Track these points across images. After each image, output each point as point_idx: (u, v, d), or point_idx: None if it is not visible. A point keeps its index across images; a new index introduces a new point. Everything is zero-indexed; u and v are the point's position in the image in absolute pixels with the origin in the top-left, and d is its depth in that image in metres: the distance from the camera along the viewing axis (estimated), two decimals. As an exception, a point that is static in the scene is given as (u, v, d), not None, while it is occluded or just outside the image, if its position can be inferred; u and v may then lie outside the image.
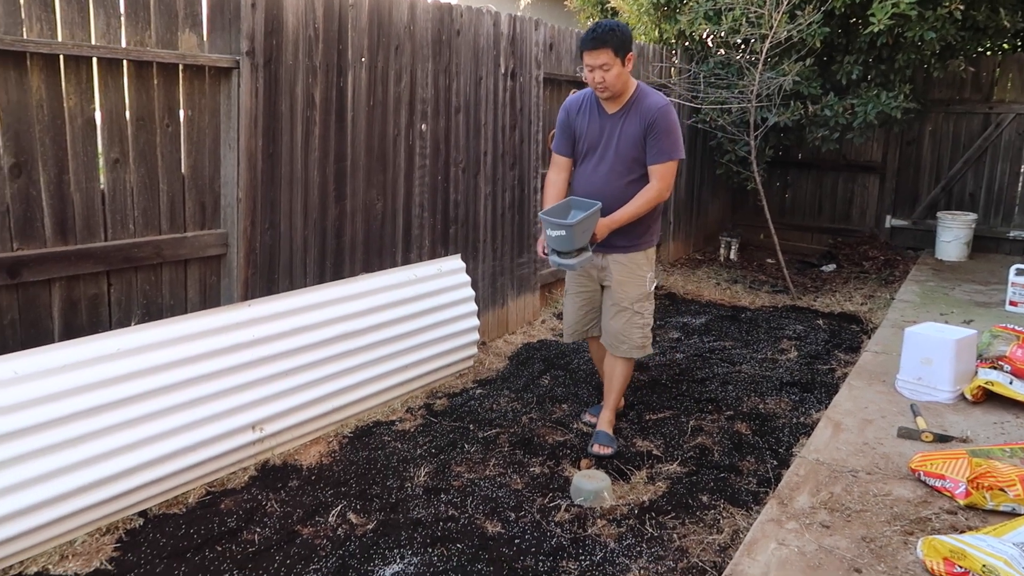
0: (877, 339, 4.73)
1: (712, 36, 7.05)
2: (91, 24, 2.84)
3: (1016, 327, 4.12)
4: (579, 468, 3.28)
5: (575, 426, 3.71)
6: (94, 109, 2.90)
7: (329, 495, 3.01)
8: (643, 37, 7.59)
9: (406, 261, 4.25)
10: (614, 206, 3.27)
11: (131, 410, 2.75)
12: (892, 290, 6.33)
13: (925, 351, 3.73)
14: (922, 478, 2.91)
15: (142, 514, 2.83)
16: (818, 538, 2.54)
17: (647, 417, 3.82)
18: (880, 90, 6.54)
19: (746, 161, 6.98)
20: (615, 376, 3.56)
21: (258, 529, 2.77)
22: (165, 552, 2.61)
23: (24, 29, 2.65)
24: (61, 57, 2.76)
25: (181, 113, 3.18)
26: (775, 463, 3.34)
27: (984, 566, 2.21)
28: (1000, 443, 3.22)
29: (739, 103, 6.35)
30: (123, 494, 2.72)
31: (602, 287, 3.53)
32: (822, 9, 6.08)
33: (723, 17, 6.34)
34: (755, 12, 5.96)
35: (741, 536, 2.73)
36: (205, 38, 3.23)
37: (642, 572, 2.57)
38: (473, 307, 4.33)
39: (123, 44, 2.94)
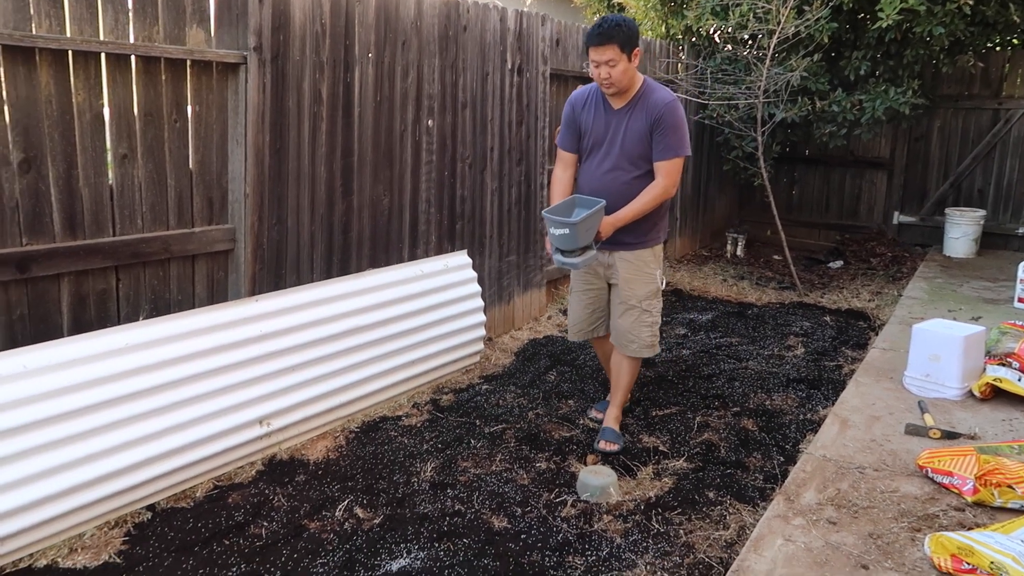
0: (885, 336, 4.71)
1: (719, 32, 7.02)
2: (99, 20, 2.84)
3: (1025, 324, 4.10)
4: (585, 464, 3.28)
5: (581, 422, 3.71)
6: (102, 104, 2.91)
7: (336, 490, 3.02)
8: (650, 33, 7.57)
9: (412, 257, 4.25)
10: (619, 203, 3.25)
11: (139, 405, 2.76)
12: (900, 287, 6.31)
13: (933, 348, 3.72)
14: (930, 475, 2.90)
15: (150, 508, 2.84)
16: (825, 534, 2.54)
17: (653, 413, 3.82)
18: (888, 86, 6.51)
19: (753, 157, 6.96)
20: (622, 374, 3.55)
21: (265, 523, 2.78)
22: (173, 545, 2.63)
23: (33, 25, 2.66)
24: (70, 53, 2.77)
25: (189, 109, 3.19)
26: (782, 459, 3.34)
27: (992, 563, 2.20)
28: (1008, 440, 3.21)
29: (746, 99, 6.33)
30: (131, 488, 2.74)
31: (609, 285, 3.51)
32: (830, 4, 6.05)
33: (730, 12, 6.32)
34: (763, 7, 5.94)
35: (747, 532, 2.73)
36: (213, 34, 3.23)
37: (648, 568, 2.57)
38: (479, 303, 4.33)
39: (131, 40, 2.95)
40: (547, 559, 2.61)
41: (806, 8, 5.97)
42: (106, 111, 2.93)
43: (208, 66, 3.21)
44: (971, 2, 5.87)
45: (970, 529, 2.52)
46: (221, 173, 3.35)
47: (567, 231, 3.07)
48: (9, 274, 2.69)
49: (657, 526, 2.82)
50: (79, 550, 2.59)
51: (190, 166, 3.23)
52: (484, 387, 4.12)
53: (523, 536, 2.75)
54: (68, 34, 2.76)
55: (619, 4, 8.17)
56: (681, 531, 2.79)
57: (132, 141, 3.01)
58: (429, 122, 4.24)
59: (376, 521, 2.82)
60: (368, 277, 3.77)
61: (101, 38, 2.85)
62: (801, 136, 7.48)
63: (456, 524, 2.81)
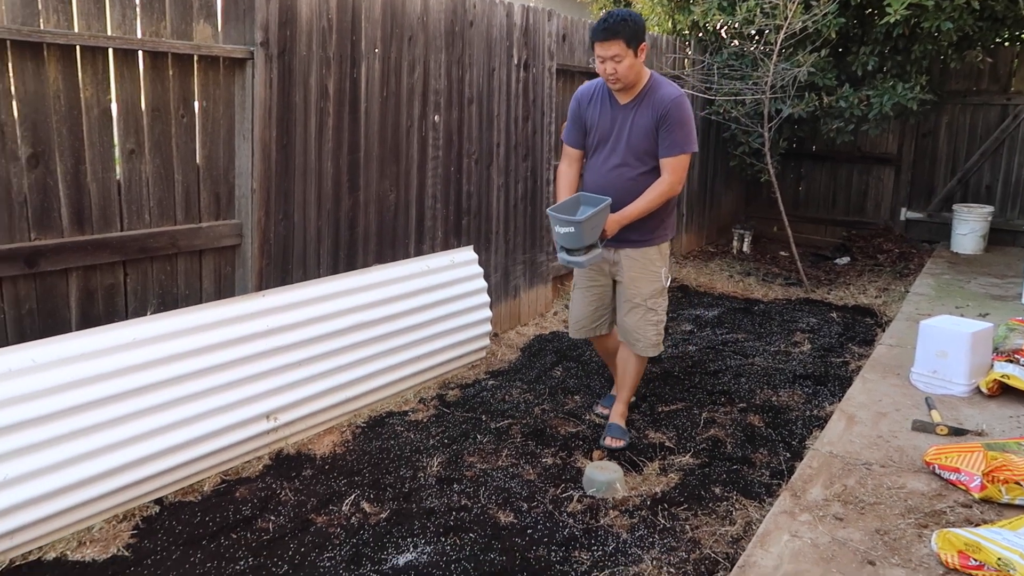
0: (891, 332, 4.70)
1: (726, 27, 7.00)
2: (107, 15, 2.85)
3: (1033, 320, 4.09)
4: (591, 459, 3.28)
5: (587, 417, 3.71)
6: (110, 100, 2.92)
7: (343, 484, 3.03)
8: (656, 28, 7.55)
9: (419, 252, 4.25)
10: (625, 200, 3.22)
11: (147, 399, 2.78)
12: (907, 283, 6.29)
13: (940, 344, 3.71)
14: (937, 471, 2.89)
15: (158, 501, 2.86)
16: (831, 530, 2.54)
17: (660, 409, 3.82)
18: (896, 81, 6.48)
19: (760, 153, 6.94)
20: (628, 371, 3.54)
21: (273, 517, 2.79)
22: (181, 539, 2.64)
23: (41, 20, 2.66)
24: (77, 48, 2.78)
25: (196, 104, 3.19)
26: (788, 455, 3.33)
27: (999, 559, 2.20)
28: (1016, 437, 3.20)
29: (753, 94, 6.31)
30: (139, 481, 2.75)
31: (615, 282, 3.49)
32: (837, -1, 6.03)
33: (737, 8, 6.29)
34: (770, 2, 5.91)
35: (754, 528, 2.73)
36: (220, 29, 3.24)
37: (654, 563, 2.57)
38: (485, 298, 4.33)
39: (139, 35, 2.95)
40: (553, 554, 2.62)
41: (813, 3, 5.94)
42: (114, 106, 2.94)
43: (215, 61, 3.22)
44: (980, -3, 5.84)
45: (977, 525, 2.52)
46: (228, 168, 3.36)
47: (572, 229, 3.04)
48: (18, 269, 2.70)
49: (663, 521, 2.82)
50: (88, 543, 2.61)
51: (197, 161, 3.24)
52: (490, 382, 4.12)
53: (529, 531, 2.75)
54: (76, 29, 2.76)
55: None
56: (687, 527, 2.79)
57: (140, 136, 3.02)
58: (435, 118, 4.24)
59: (383, 515, 2.83)
60: (374, 272, 3.78)
61: (109, 33, 2.85)
62: (808, 132, 7.45)
63: (462, 519, 2.81)
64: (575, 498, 2.97)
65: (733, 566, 2.43)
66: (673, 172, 3.22)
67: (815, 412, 3.79)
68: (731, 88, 6.48)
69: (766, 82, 6.05)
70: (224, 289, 3.41)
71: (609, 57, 3.10)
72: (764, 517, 2.71)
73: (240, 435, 3.06)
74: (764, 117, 6.28)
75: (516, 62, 4.76)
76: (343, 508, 2.87)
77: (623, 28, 3.06)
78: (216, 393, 2.99)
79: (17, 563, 2.48)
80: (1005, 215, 7.48)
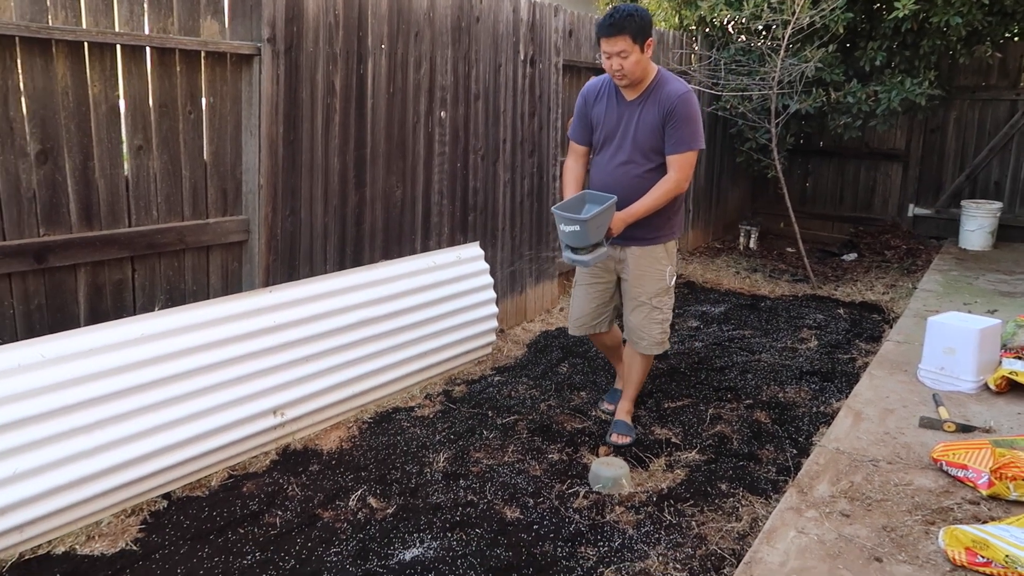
0: (899, 328, 4.69)
1: (733, 22, 6.98)
2: (115, 11, 2.86)
3: (1041, 317, 4.07)
4: (597, 455, 3.29)
5: (593, 413, 3.71)
6: (118, 96, 2.93)
7: (349, 479, 3.04)
8: (663, 23, 7.53)
9: (425, 248, 4.26)
10: (631, 197, 3.19)
11: (155, 394, 2.79)
12: (914, 279, 6.27)
13: (948, 341, 3.70)
14: (944, 468, 2.89)
15: (166, 496, 2.87)
16: (838, 527, 2.53)
17: (666, 405, 3.82)
18: (904, 76, 6.45)
19: (767, 149, 6.92)
20: (634, 369, 3.53)
21: (279, 512, 2.80)
22: (189, 534, 2.65)
23: (49, 16, 2.67)
24: (85, 44, 2.79)
25: (203, 100, 3.20)
26: (795, 452, 3.33)
27: (1007, 556, 2.19)
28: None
29: (760, 90, 6.29)
30: (147, 476, 2.76)
31: (619, 279, 3.47)
32: (845, -6, 6.00)
33: (744, 3, 6.27)
34: (777, -2, 5.90)
35: (760, 524, 2.73)
36: (227, 25, 3.24)
37: (660, 559, 2.57)
38: (492, 294, 4.33)
39: (146, 31, 2.96)
40: (559, 550, 2.62)
41: (821, -2, 5.92)
42: (121, 102, 2.95)
43: (222, 57, 3.22)
44: (989, -9, 5.81)
45: (985, 522, 2.51)
46: (235, 164, 3.36)
47: (577, 228, 3.00)
48: (27, 264, 2.71)
49: (669, 517, 2.82)
50: (96, 537, 2.62)
51: (204, 157, 3.25)
52: (496, 378, 4.13)
53: (535, 527, 2.76)
54: (84, 26, 2.77)
55: (632, -5, 8.13)
56: (693, 523, 2.79)
57: (147, 132, 3.03)
58: (442, 114, 4.24)
59: (389, 511, 2.83)
60: (381, 268, 3.78)
61: (116, 30, 2.86)
62: (815, 127, 7.42)
63: (469, 514, 2.82)
64: (581, 494, 2.97)
65: (739, 562, 2.43)
66: (680, 169, 3.20)
67: (822, 408, 3.78)
68: (738, 84, 6.46)
69: (773, 78, 6.03)
70: (231, 285, 3.42)
71: (615, 53, 3.08)
72: (770, 513, 2.70)
73: (247, 430, 3.08)
74: (771, 113, 6.26)
75: (522, 58, 4.75)
76: (350, 503, 2.88)
77: (629, 24, 3.04)
78: (223, 388, 3.00)
79: (27, 557, 2.50)
80: (1014, 211, 7.44)
